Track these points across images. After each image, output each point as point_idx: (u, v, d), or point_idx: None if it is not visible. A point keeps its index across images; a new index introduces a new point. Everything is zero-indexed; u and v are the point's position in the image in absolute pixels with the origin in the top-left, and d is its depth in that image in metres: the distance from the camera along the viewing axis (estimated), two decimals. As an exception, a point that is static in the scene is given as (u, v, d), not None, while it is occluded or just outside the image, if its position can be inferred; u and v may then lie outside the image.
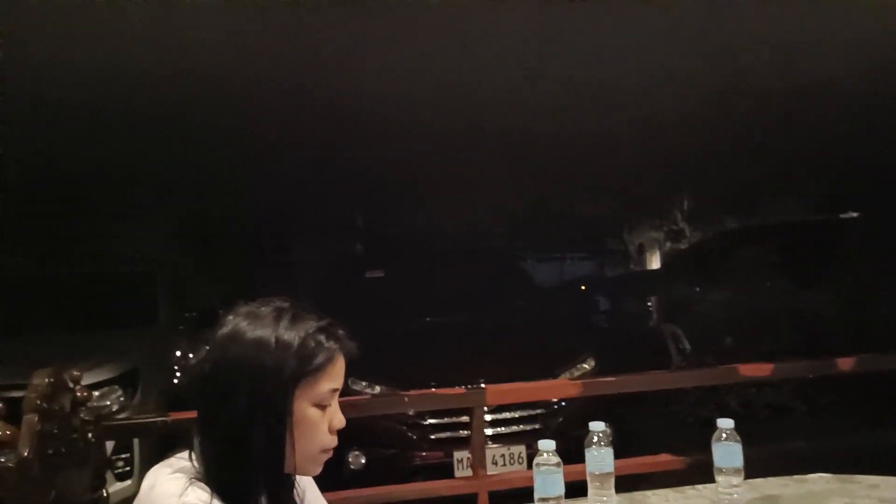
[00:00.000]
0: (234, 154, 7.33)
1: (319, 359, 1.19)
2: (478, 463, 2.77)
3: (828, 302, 5.51)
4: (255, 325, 1.19)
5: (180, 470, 1.16)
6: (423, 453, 3.88)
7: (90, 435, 2.16)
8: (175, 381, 4.76)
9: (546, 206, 11.94)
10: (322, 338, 1.21)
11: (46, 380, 1.93)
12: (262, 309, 1.22)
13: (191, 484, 1.12)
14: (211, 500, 1.11)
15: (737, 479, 1.70)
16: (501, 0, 4.41)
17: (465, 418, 3.64)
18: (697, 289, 7.45)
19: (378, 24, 4.66)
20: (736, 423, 1.71)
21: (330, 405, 1.23)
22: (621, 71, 5.73)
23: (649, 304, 8.58)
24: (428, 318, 5.23)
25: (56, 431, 1.90)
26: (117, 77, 5.12)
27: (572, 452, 1.82)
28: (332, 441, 1.24)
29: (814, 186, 9.71)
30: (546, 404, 3.94)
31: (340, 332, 1.25)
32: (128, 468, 3.86)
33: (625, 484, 1.81)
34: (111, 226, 8.76)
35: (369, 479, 3.44)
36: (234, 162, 7.66)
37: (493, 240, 11.26)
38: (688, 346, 7.00)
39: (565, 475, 1.60)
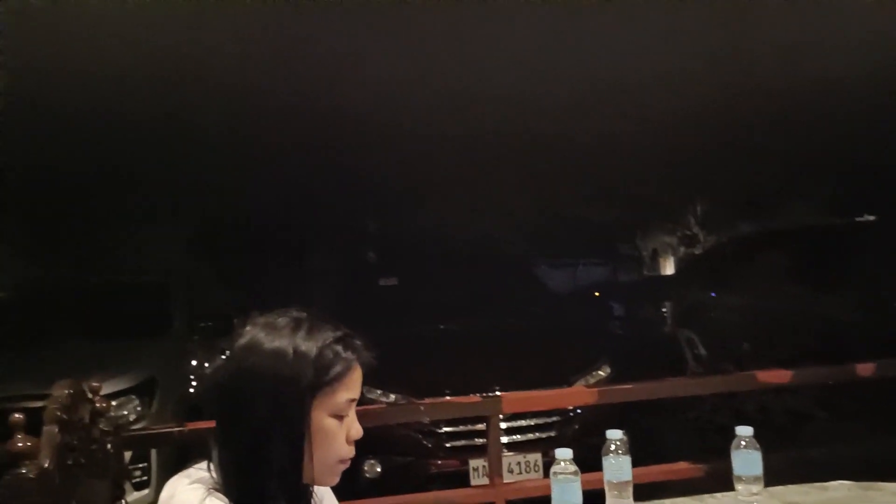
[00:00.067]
0: (247, 163, 7.37)
1: (337, 369, 1.20)
2: (495, 472, 2.76)
3: (845, 306, 5.45)
4: (273, 336, 1.20)
5: (199, 480, 1.16)
6: (439, 461, 3.86)
7: (109, 445, 2.17)
8: (191, 390, 4.79)
9: (559, 212, 11.93)
10: (339, 348, 1.21)
11: (66, 391, 1.94)
12: (280, 320, 1.23)
13: (209, 494, 1.13)
14: (229, 510, 1.11)
15: (756, 487, 1.69)
16: (513, 4, 4.41)
17: (480, 426, 3.62)
18: (713, 294, 7.39)
19: (390, 29, 4.68)
20: (754, 430, 1.70)
21: (347, 415, 1.23)
22: (633, 75, 5.72)
23: (664, 309, 8.53)
24: (442, 326, 5.23)
25: (76, 442, 1.91)
26: (133, 90, 5.17)
27: (588, 460, 1.81)
28: (350, 451, 1.24)
29: (829, 189, 9.64)
30: (561, 412, 3.91)
31: (357, 342, 1.26)
32: (145, 477, 3.88)
33: (642, 493, 1.79)
34: (125, 236, 8.84)
35: (385, 488, 3.43)
36: (247, 171, 7.71)
37: (507, 246, 11.25)
38: (703, 352, 6.95)
39: (582, 484, 1.59)
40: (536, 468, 3.72)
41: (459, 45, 4.99)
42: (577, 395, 3.56)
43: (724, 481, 1.79)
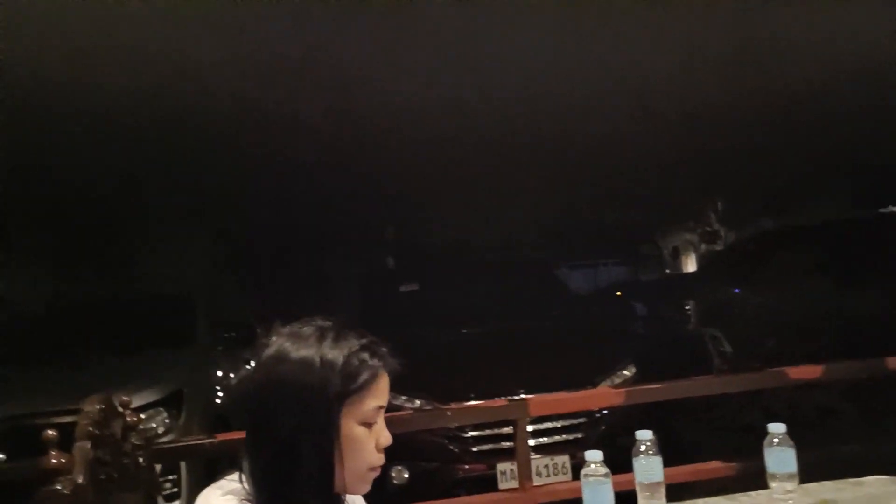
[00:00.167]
0: (267, 173, 7.42)
1: (364, 377, 1.20)
2: (524, 475, 2.75)
3: (871, 299, 5.36)
4: (299, 346, 1.20)
5: (231, 492, 1.17)
6: (466, 466, 3.85)
7: (141, 459, 2.19)
8: (217, 401, 4.82)
9: (578, 213, 11.87)
10: (366, 356, 1.22)
11: (97, 406, 1.96)
12: (305, 329, 1.23)
13: (242, 505, 1.13)
14: (262, 521, 1.12)
15: (791, 485, 1.66)
16: (529, 4, 4.39)
17: (506, 430, 3.61)
18: (736, 291, 7.31)
19: (406, 34, 4.68)
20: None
21: (376, 423, 1.24)
22: (652, 75, 5.69)
23: (687, 308, 8.45)
24: (464, 330, 5.23)
25: (108, 457, 1.93)
26: (158, 102, 5.22)
27: (617, 461, 1.79)
28: (380, 459, 1.24)
29: (852, 182, 9.51)
30: (588, 413, 3.89)
31: (383, 349, 1.26)
32: (175, 489, 3.90)
33: (672, 493, 1.78)
34: (148, 250, 8.94)
35: (413, 494, 3.43)
36: (267, 181, 7.76)
37: (527, 249, 11.23)
38: (729, 350, 6.87)
39: (612, 485, 1.58)
40: (565, 470, 3.69)
41: (479, 49, 4.98)
42: (605, 396, 3.53)
43: (757, 479, 1.77)
